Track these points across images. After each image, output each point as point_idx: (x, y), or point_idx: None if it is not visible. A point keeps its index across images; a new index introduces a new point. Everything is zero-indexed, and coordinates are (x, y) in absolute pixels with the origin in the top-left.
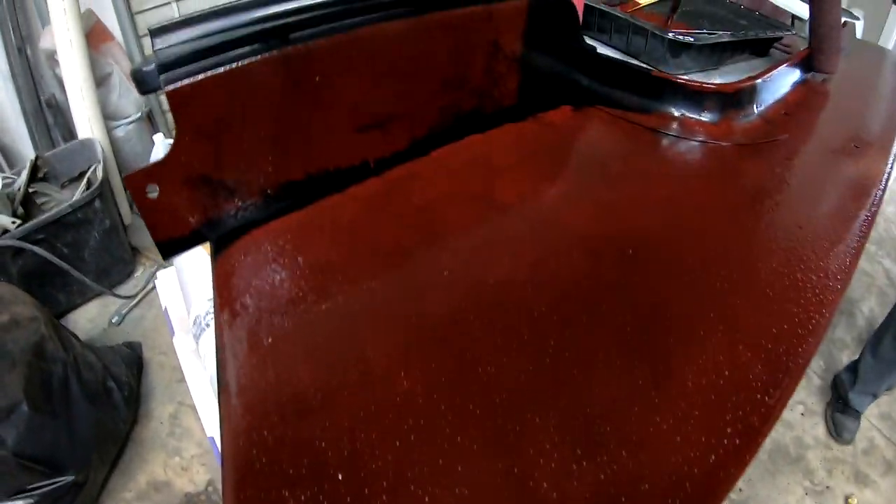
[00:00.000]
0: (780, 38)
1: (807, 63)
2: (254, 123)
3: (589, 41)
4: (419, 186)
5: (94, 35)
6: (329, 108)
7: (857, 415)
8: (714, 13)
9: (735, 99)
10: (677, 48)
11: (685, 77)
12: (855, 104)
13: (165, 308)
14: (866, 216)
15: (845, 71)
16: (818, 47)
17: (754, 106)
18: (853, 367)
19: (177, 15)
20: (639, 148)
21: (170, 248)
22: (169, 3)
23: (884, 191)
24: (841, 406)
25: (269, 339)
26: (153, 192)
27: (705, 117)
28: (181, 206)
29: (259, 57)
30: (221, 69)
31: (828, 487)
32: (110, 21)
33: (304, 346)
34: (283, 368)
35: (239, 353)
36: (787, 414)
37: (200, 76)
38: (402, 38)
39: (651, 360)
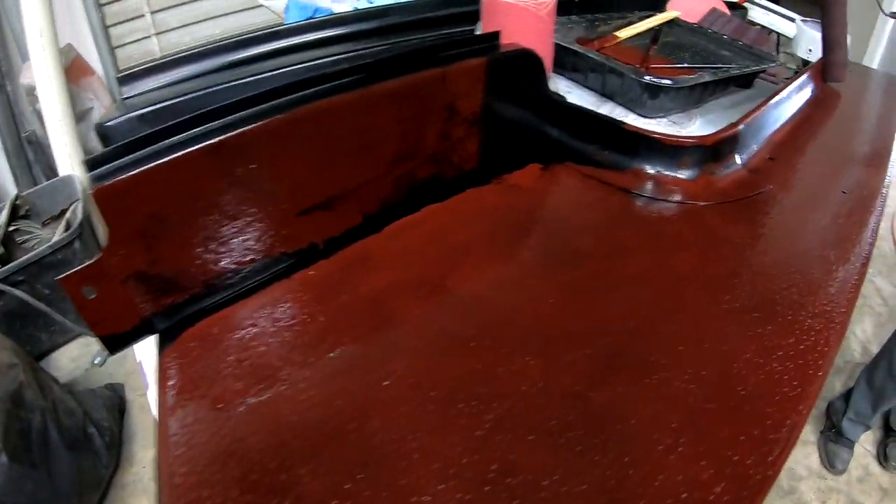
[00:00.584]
0: (765, 70)
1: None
2: (189, 216)
3: (565, 82)
4: (369, 271)
5: (74, 70)
6: (268, 193)
7: (850, 444)
8: (695, 44)
9: (715, 151)
10: (655, 90)
11: (660, 131)
12: (844, 137)
13: (140, 362)
14: (853, 282)
15: (835, 97)
16: (829, 55)
17: (736, 155)
18: (847, 395)
19: (157, 49)
20: (609, 213)
21: (115, 342)
22: (149, 36)
23: (872, 244)
24: (834, 435)
25: (202, 434)
26: (90, 294)
27: (682, 174)
28: (121, 303)
29: (190, 149)
30: (152, 164)
31: None
32: (91, 55)
33: (231, 447)
34: (210, 466)
35: (178, 443)
36: None
37: (130, 172)
38: (345, 113)
39: (603, 487)
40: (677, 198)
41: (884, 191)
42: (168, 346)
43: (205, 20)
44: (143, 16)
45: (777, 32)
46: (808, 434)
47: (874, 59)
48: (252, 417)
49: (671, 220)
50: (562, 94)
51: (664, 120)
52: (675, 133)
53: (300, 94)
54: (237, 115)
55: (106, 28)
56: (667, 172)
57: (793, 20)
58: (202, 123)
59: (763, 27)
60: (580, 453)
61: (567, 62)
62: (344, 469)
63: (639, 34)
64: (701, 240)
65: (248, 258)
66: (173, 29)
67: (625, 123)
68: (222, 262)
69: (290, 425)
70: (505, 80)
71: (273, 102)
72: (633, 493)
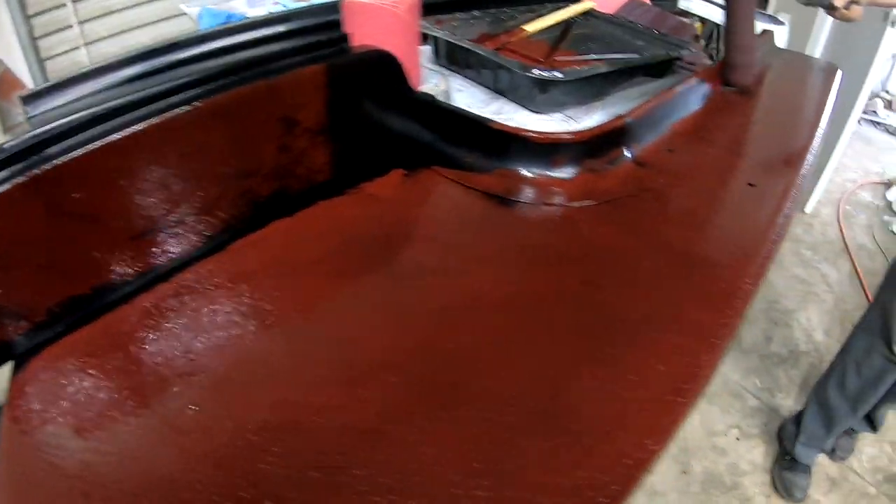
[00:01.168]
0: (677, 58)
1: (710, 80)
2: (20, 251)
3: (459, 80)
4: (203, 296)
5: (3, 84)
6: (98, 221)
7: (806, 469)
8: (609, 35)
9: (595, 146)
10: (544, 84)
11: (546, 128)
12: (761, 127)
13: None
14: (745, 289)
15: (758, 85)
16: (729, 58)
17: (624, 149)
18: (798, 418)
19: (87, 59)
20: (466, 221)
21: None
22: (78, 47)
23: (777, 241)
24: (788, 462)
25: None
26: None
27: (556, 174)
28: None
29: (8, 185)
30: None
31: None
32: (20, 68)
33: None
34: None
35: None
36: (720, 440)
37: None
38: (169, 135)
39: None
40: (549, 199)
41: (799, 181)
42: (18, 372)
43: (133, 29)
44: (71, 27)
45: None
46: (751, 427)
47: (815, 50)
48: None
49: (534, 225)
50: (456, 91)
51: (558, 115)
52: (568, 128)
53: (126, 117)
54: (62, 144)
55: (34, 40)
56: (538, 172)
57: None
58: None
59: (685, 16)
60: (361, 493)
61: (459, 59)
62: None
63: (548, 27)
64: (565, 246)
65: (93, 283)
66: (102, 39)
67: (491, 122)
68: (63, 290)
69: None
70: (356, 85)
71: (99, 128)
72: None
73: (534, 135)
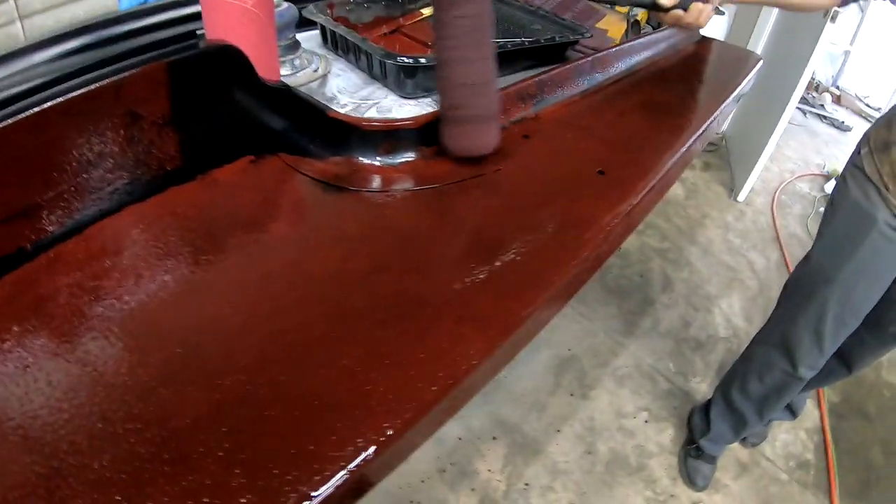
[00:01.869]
0: (572, 42)
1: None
2: None
3: (341, 64)
4: (48, 277)
5: None
6: None
7: (712, 460)
8: (508, 17)
9: (430, 133)
10: (410, 70)
11: (371, 118)
12: (645, 114)
13: None
14: (551, 281)
15: (663, 75)
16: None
17: None
18: (706, 412)
19: (22, 34)
20: (279, 207)
21: None
22: (13, 21)
23: (608, 237)
24: (694, 451)
25: None
26: None
27: (389, 160)
28: None
29: None
30: None
31: (672, 496)
32: None
33: None
34: None
35: None
36: (628, 422)
37: None
38: (20, 133)
39: (139, 479)
40: (371, 186)
41: (653, 182)
42: None
43: (69, 3)
44: (6, 0)
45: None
46: (662, 409)
47: (760, 38)
48: None
49: (348, 211)
50: (334, 76)
51: (427, 100)
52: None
53: None
54: None
55: None
56: (370, 160)
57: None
58: None
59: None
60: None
61: (339, 44)
62: None
63: None
64: (367, 231)
65: None
66: (38, 12)
67: (330, 110)
68: None
69: None
70: (200, 79)
71: None
72: (161, 489)
73: (365, 123)
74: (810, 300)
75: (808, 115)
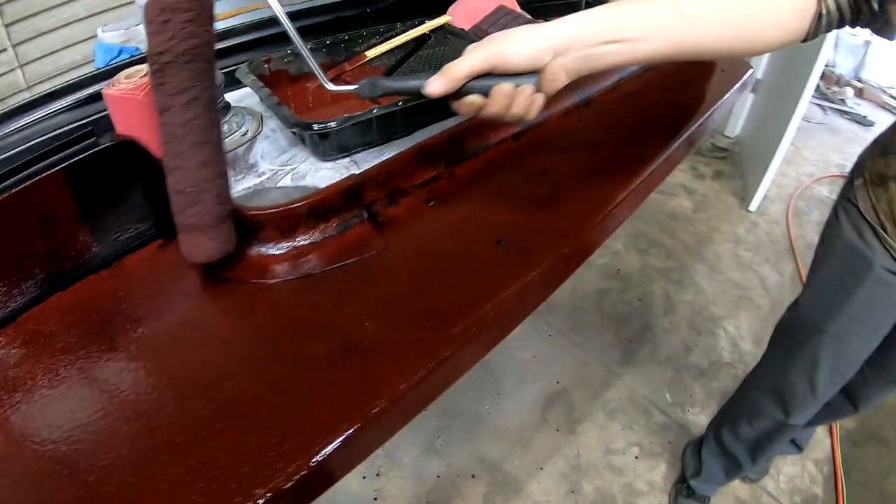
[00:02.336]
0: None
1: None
2: None
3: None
4: None
5: None
6: None
7: (704, 499)
8: (454, 55)
9: (318, 212)
10: (321, 135)
11: (249, 205)
12: (575, 165)
13: None
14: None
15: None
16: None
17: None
18: (698, 449)
19: (22, 80)
20: (172, 300)
21: None
22: (14, 69)
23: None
24: (686, 491)
25: None
26: None
27: (271, 248)
28: None
29: None
30: None
31: None
32: None
33: None
34: None
35: None
36: (617, 459)
37: None
38: None
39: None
40: (246, 276)
41: (566, 250)
42: None
43: (64, 48)
44: (5, 49)
45: None
46: (655, 444)
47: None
48: None
49: (218, 306)
50: (263, 138)
51: (345, 160)
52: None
53: None
54: None
55: None
56: (250, 247)
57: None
58: None
59: None
60: None
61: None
62: None
63: (393, 49)
64: (230, 330)
65: None
66: (36, 59)
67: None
68: None
69: None
70: (99, 175)
71: None
72: None
73: (242, 209)
74: (802, 348)
75: (828, 112)
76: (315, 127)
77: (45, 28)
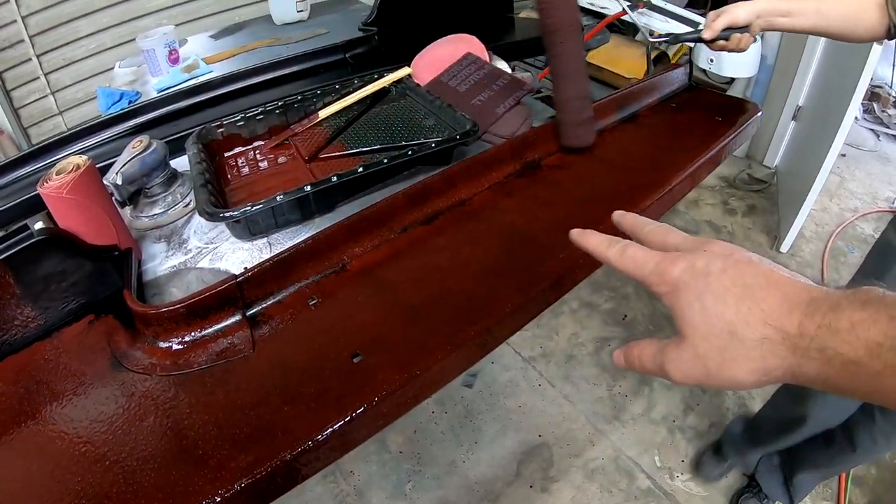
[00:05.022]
0: (454, 146)
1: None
2: None
3: None
4: None
5: None
6: None
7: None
8: (404, 113)
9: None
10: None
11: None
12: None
13: None
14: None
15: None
16: (559, 120)
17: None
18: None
19: (54, 105)
20: (83, 381)
21: None
22: (46, 95)
23: None
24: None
25: None
26: None
27: (156, 342)
28: None
29: None
30: None
31: None
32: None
33: None
34: None
35: None
36: None
37: None
38: None
39: None
40: (134, 366)
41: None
42: None
43: (94, 76)
44: (38, 78)
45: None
46: None
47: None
48: None
49: (112, 394)
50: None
51: (261, 241)
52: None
53: None
54: None
55: (7, 92)
56: (147, 339)
57: (697, 24)
58: None
59: (513, 72)
60: None
61: None
62: None
63: (347, 107)
64: (111, 422)
65: None
66: (68, 86)
67: (125, 285)
68: None
69: None
70: (35, 262)
71: None
72: None
73: (131, 301)
74: None
75: (881, 138)
76: (223, 216)
77: (74, 57)
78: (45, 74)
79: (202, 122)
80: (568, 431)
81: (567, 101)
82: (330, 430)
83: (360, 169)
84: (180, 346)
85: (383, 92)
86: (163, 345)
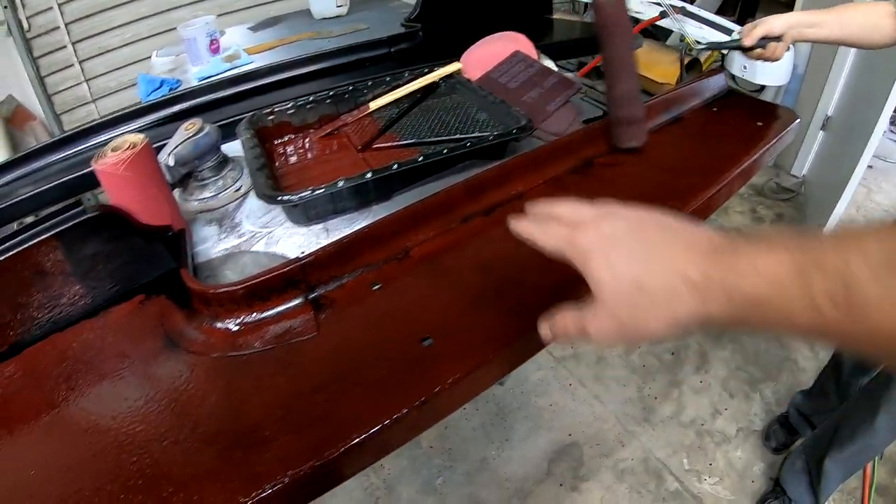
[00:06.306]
0: (507, 141)
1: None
2: None
3: None
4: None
5: (17, 117)
6: None
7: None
8: (457, 107)
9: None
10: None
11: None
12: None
13: None
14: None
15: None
16: (614, 120)
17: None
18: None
19: (88, 93)
20: (135, 360)
21: None
22: (80, 83)
23: None
24: None
25: None
26: None
27: (215, 322)
28: None
29: None
30: None
31: None
32: (32, 101)
33: None
34: None
35: None
36: None
37: None
38: None
39: None
40: (192, 347)
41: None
42: None
43: (129, 64)
44: (72, 65)
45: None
46: None
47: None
48: None
49: (167, 374)
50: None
51: (318, 227)
52: (317, 243)
53: None
54: None
55: (41, 78)
56: (204, 319)
57: (730, 32)
58: None
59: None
60: None
61: None
62: None
63: (397, 100)
64: (167, 399)
65: None
66: (101, 74)
67: (183, 261)
68: None
69: None
70: (86, 240)
71: None
72: None
73: (190, 281)
74: None
75: None
76: (282, 199)
77: (109, 46)
78: (80, 62)
79: (246, 110)
80: (598, 431)
81: (622, 100)
82: (400, 413)
83: (421, 158)
84: (239, 328)
85: (432, 86)
86: (221, 325)
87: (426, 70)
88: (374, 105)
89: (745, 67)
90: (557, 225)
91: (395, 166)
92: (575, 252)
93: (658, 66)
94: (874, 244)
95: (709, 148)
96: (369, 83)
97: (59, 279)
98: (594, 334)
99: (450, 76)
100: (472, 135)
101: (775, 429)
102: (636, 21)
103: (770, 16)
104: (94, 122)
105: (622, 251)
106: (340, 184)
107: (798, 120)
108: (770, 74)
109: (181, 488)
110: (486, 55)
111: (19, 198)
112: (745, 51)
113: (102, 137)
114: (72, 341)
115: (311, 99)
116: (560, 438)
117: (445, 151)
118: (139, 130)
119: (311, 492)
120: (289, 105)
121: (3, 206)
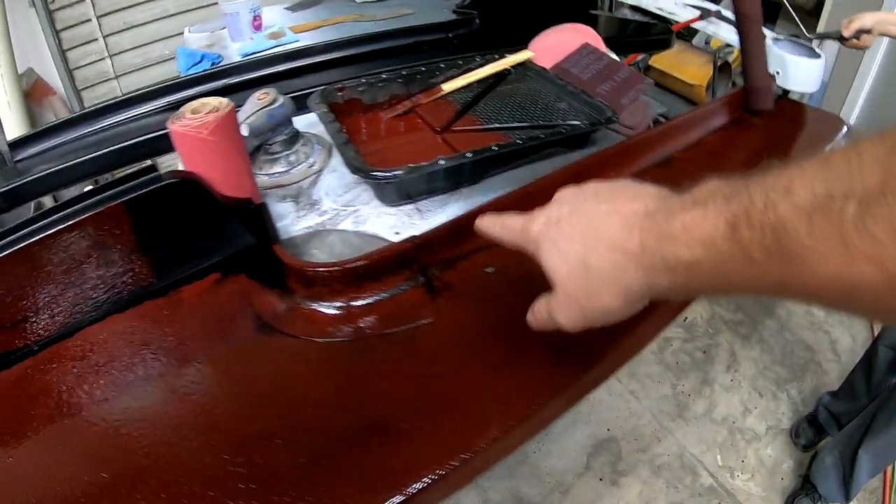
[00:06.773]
0: (595, 127)
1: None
2: None
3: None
4: (46, 369)
5: (36, 91)
6: None
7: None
8: (533, 95)
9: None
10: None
11: (303, 261)
12: None
13: None
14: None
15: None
16: (747, 84)
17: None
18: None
19: (111, 70)
20: (218, 343)
21: None
22: (103, 58)
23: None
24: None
25: None
26: None
27: (318, 305)
28: None
29: None
30: None
31: None
32: (52, 76)
33: None
34: None
35: None
36: None
37: None
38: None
39: None
40: (294, 331)
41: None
42: None
43: (153, 42)
44: (96, 40)
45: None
46: None
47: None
48: None
49: (263, 358)
50: (329, 172)
51: (408, 207)
52: (411, 224)
53: None
54: None
55: (63, 52)
56: (299, 301)
57: (763, 37)
58: None
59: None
60: None
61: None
62: None
63: (470, 84)
64: (268, 387)
65: None
66: (126, 50)
67: (276, 241)
68: None
69: None
70: (158, 209)
71: None
72: None
73: (289, 260)
74: None
75: None
76: (378, 175)
77: (135, 21)
78: (104, 37)
79: (301, 88)
80: (635, 427)
81: (758, 72)
82: (552, 398)
83: (519, 141)
84: (346, 310)
85: (503, 72)
86: (324, 307)
87: (497, 56)
88: (446, 87)
89: (777, 72)
90: (512, 218)
91: (495, 147)
92: (528, 242)
93: (689, 66)
94: (801, 186)
95: (769, 145)
96: (441, 65)
97: (124, 252)
98: (561, 320)
99: (521, 63)
100: (559, 123)
101: (804, 427)
102: (669, 22)
103: (864, 12)
104: (143, 90)
105: (567, 234)
106: (441, 162)
107: (846, 128)
108: (803, 81)
109: (308, 490)
110: (555, 45)
111: (82, 158)
112: (843, 41)
113: (143, 109)
114: (135, 323)
115: (383, 77)
116: (598, 433)
117: (542, 136)
118: (181, 104)
119: (453, 487)
120: (361, 82)
121: (63, 166)
